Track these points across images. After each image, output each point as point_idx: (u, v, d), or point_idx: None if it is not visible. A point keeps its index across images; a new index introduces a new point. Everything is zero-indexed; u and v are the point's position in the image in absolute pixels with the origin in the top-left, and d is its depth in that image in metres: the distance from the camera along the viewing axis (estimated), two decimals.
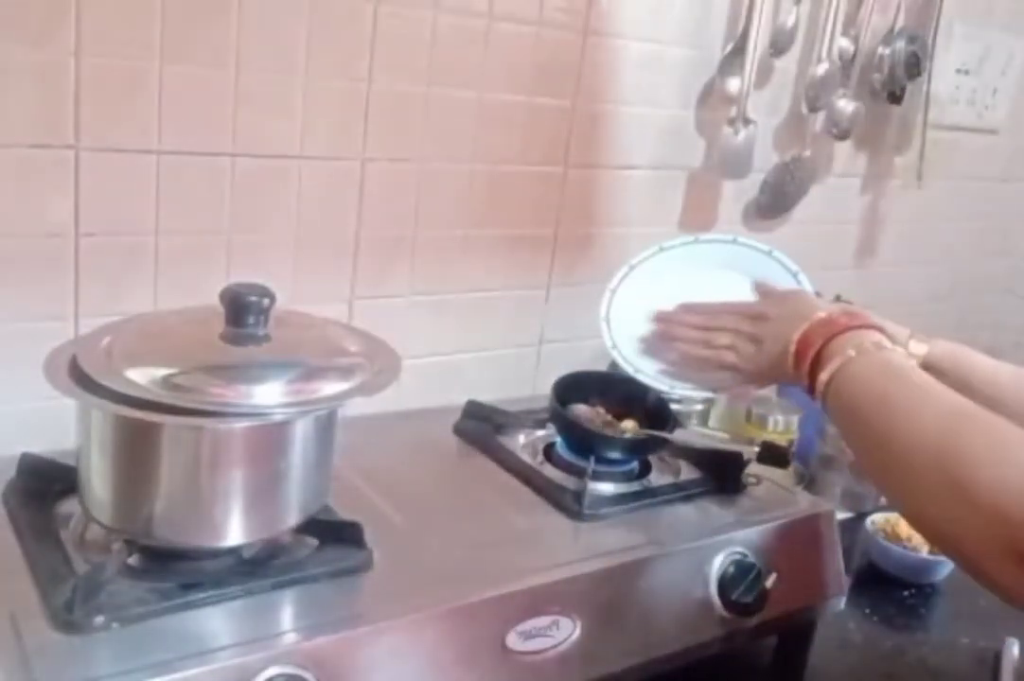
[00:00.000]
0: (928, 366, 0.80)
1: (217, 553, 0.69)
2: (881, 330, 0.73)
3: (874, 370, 0.68)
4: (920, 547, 1.09)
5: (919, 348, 0.84)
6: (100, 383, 0.62)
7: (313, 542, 0.73)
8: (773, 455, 0.92)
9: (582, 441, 0.93)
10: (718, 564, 0.82)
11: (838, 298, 1.33)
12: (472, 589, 0.70)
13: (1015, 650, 0.97)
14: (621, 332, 0.93)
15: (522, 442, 0.99)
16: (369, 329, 0.79)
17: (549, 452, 0.96)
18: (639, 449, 0.94)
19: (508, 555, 0.77)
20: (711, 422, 1.22)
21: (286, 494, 0.69)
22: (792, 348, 0.75)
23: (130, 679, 0.57)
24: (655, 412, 0.96)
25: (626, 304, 0.94)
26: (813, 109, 1.29)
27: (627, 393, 0.96)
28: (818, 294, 1.33)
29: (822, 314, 0.76)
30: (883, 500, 1.18)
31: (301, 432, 0.69)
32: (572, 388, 0.97)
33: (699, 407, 1.19)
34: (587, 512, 0.84)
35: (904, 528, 1.11)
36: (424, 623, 0.67)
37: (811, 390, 0.73)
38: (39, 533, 0.70)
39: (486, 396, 1.06)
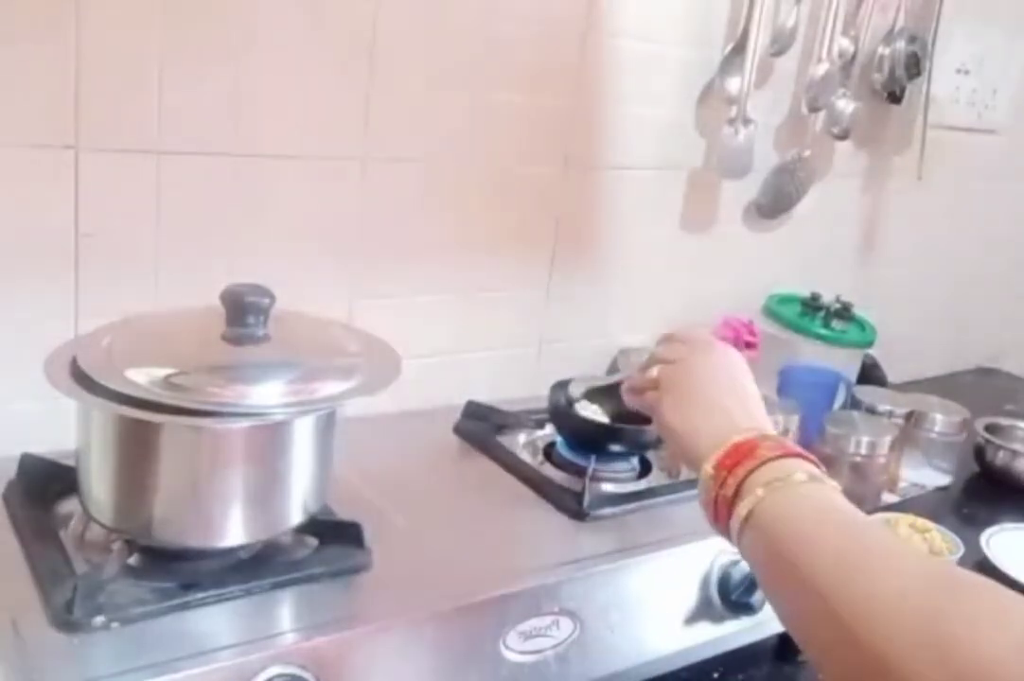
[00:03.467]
0: None
1: (217, 553, 0.69)
2: (809, 459, 0.61)
3: (813, 505, 0.57)
4: (918, 549, 1.09)
5: None
6: (100, 383, 0.62)
7: (313, 542, 0.73)
8: None
9: (585, 435, 0.92)
10: (718, 564, 0.82)
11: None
12: (472, 589, 0.70)
13: None
14: None
15: (522, 442, 0.99)
16: (369, 329, 0.79)
17: (549, 452, 0.96)
18: (642, 441, 0.94)
19: (508, 555, 0.77)
20: None
21: (286, 494, 0.69)
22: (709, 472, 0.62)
23: (130, 679, 0.57)
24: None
25: None
26: (813, 109, 1.29)
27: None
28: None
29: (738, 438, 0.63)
30: (884, 500, 1.18)
31: (301, 432, 0.69)
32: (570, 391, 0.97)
33: None
34: (587, 512, 0.84)
35: (903, 529, 1.10)
36: (424, 623, 0.67)
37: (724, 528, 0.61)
38: (39, 533, 0.70)
39: (486, 396, 1.06)
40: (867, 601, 0.48)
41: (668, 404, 0.70)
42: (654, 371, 0.74)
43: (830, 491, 0.59)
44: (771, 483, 0.58)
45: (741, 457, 0.61)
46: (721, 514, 0.60)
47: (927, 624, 0.46)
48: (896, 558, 0.52)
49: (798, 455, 0.61)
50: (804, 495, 0.57)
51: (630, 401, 0.78)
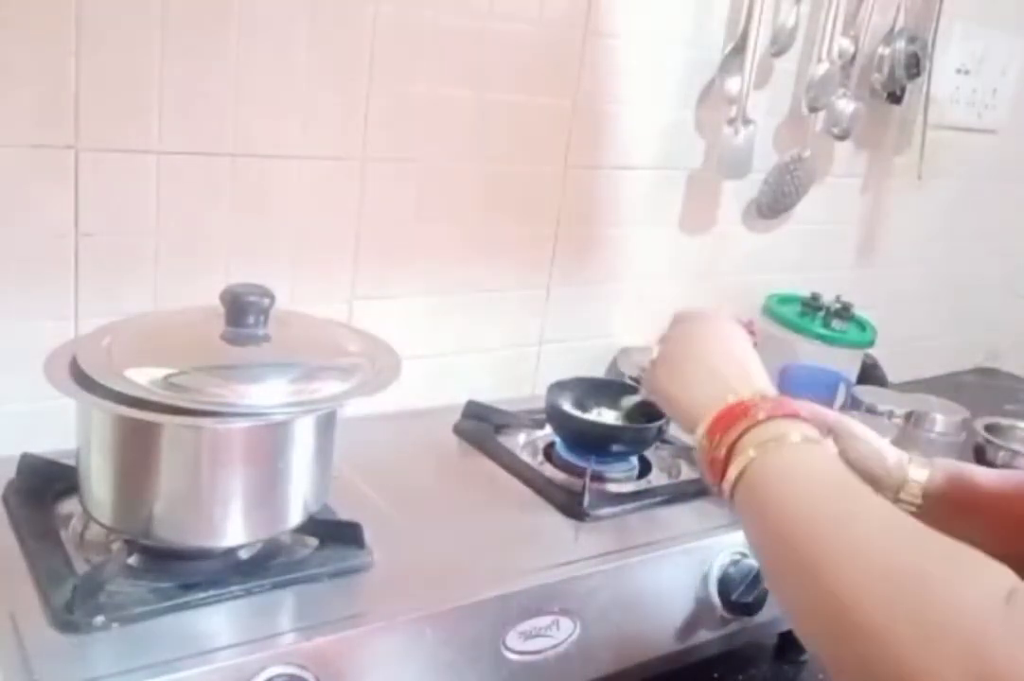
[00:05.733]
0: (930, 491, 0.72)
1: (217, 553, 0.69)
2: (807, 420, 0.60)
3: (806, 468, 0.57)
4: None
5: (919, 474, 0.73)
6: (100, 383, 0.62)
7: (313, 542, 0.73)
8: None
9: (582, 436, 0.93)
10: (718, 564, 0.82)
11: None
12: (472, 589, 0.70)
13: None
14: None
15: (522, 442, 0.99)
16: (369, 329, 0.79)
17: (549, 452, 0.96)
18: (640, 439, 0.94)
19: (508, 555, 0.77)
20: None
21: (286, 494, 0.69)
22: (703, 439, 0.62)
23: (130, 679, 0.57)
24: (651, 410, 0.95)
25: None
26: (813, 109, 1.29)
27: (621, 398, 0.96)
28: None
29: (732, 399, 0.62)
30: None
31: (301, 432, 0.69)
32: (567, 393, 0.98)
33: None
34: (587, 512, 0.84)
35: None
36: (424, 623, 0.67)
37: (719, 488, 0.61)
38: (39, 533, 0.70)
39: (486, 396, 1.06)
40: (851, 570, 0.48)
41: (662, 373, 0.70)
42: (654, 353, 0.73)
43: (823, 453, 0.58)
44: (764, 444, 0.57)
45: (735, 418, 0.60)
46: (716, 475, 0.60)
47: (906, 582, 0.46)
48: (881, 521, 0.51)
49: (795, 416, 0.60)
50: (797, 456, 0.57)
51: (645, 393, 0.77)
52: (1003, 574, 0.45)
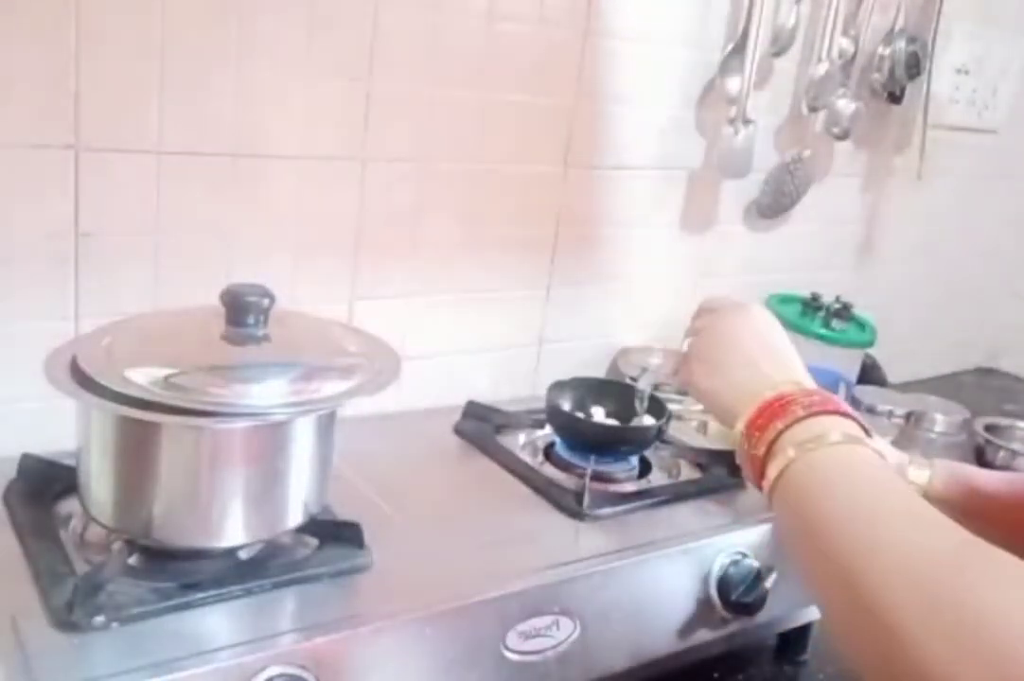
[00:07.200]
0: (930, 494, 0.73)
1: (217, 553, 0.69)
2: (851, 416, 0.59)
3: (845, 469, 0.55)
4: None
5: (919, 476, 0.74)
6: (100, 383, 0.62)
7: (313, 542, 0.73)
8: None
9: (582, 436, 0.93)
10: (718, 564, 0.82)
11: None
12: (472, 589, 0.70)
13: None
14: None
15: (522, 442, 0.99)
16: (369, 329, 0.79)
17: (549, 452, 0.96)
18: (640, 439, 0.94)
19: (508, 555, 0.77)
20: (709, 433, 1.22)
21: (286, 494, 0.69)
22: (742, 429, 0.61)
23: (130, 679, 0.57)
24: (650, 409, 0.96)
25: None
26: (813, 109, 1.29)
27: (621, 398, 0.96)
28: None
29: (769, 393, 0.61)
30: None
31: (301, 432, 0.69)
32: (567, 393, 0.98)
33: (695, 424, 1.19)
34: (587, 512, 0.84)
35: None
36: (424, 623, 0.67)
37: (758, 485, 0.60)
38: (39, 533, 0.70)
39: (486, 396, 1.06)
40: (885, 573, 0.47)
41: (698, 371, 0.68)
42: (685, 345, 0.72)
43: (866, 453, 0.56)
44: (803, 444, 0.56)
45: (773, 415, 0.59)
46: (756, 472, 0.59)
47: (947, 595, 0.44)
48: (916, 525, 0.50)
49: (837, 412, 0.58)
50: (836, 457, 0.56)
51: (676, 384, 0.76)
52: None
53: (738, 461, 0.63)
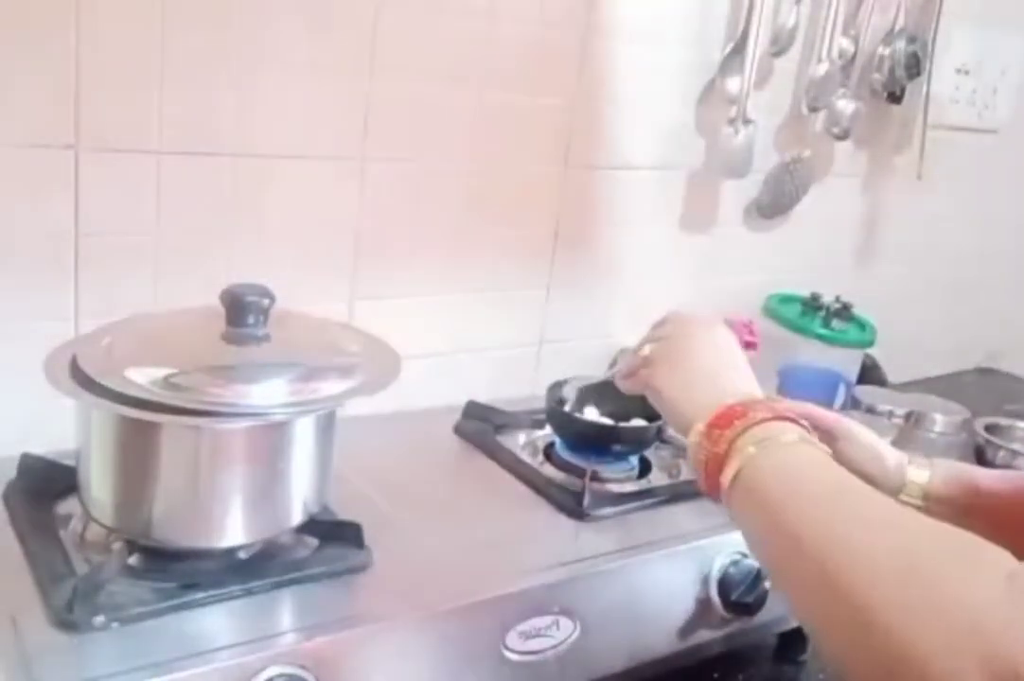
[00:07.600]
0: (930, 493, 0.73)
1: (217, 553, 0.69)
2: (800, 424, 0.61)
3: (804, 465, 0.58)
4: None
5: (919, 475, 0.74)
6: (100, 383, 0.62)
7: (313, 542, 0.73)
8: None
9: (582, 436, 0.93)
10: (718, 564, 0.82)
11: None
12: (472, 589, 0.70)
13: None
14: None
15: (522, 442, 0.99)
16: (369, 329, 0.79)
17: (549, 452, 0.96)
18: (640, 439, 0.94)
19: (508, 555, 0.77)
20: None
21: (286, 494, 0.69)
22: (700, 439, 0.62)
23: (130, 679, 0.57)
24: (649, 410, 0.96)
25: None
26: (813, 109, 1.29)
27: (621, 398, 0.96)
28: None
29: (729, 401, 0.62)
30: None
31: (301, 432, 0.69)
32: (567, 392, 0.98)
33: None
34: (587, 512, 0.84)
35: None
36: (424, 623, 0.67)
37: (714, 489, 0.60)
38: (39, 533, 0.70)
39: (486, 396, 1.06)
40: (853, 555, 0.48)
41: (660, 375, 0.70)
42: (646, 349, 0.74)
43: (820, 453, 0.59)
44: (762, 442, 0.58)
45: (734, 417, 0.60)
46: (712, 473, 0.60)
47: (912, 573, 0.46)
48: (883, 517, 0.52)
49: (788, 418, 0.60)
50: (795, 454, 0.58)
51: (624, 386, 0.77)
52: (1003, 557, 0.46)
53: (691, 463, 0.64)
